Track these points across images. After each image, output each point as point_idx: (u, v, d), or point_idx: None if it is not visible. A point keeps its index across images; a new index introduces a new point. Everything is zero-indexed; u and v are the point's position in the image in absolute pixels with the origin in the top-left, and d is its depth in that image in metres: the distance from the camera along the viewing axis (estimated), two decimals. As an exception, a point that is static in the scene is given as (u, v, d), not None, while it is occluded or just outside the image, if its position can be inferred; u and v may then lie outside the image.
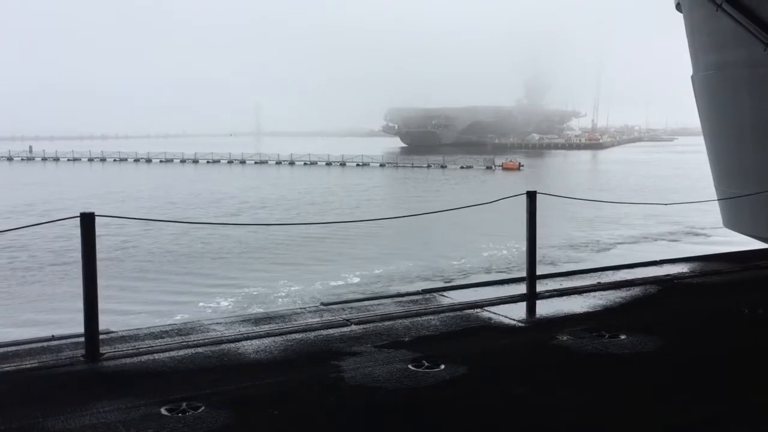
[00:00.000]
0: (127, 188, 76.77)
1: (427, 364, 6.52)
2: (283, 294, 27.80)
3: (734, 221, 16.74)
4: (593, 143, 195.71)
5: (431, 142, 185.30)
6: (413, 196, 69.68)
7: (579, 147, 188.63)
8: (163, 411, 5.44)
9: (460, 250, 35.56)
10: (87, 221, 6.36)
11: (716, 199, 16.93)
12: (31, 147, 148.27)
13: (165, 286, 29.99)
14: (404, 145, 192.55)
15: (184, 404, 5.55)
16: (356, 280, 30.22)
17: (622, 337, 7.37)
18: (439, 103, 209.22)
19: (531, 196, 9.03)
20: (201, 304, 26.20)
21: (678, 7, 17.24)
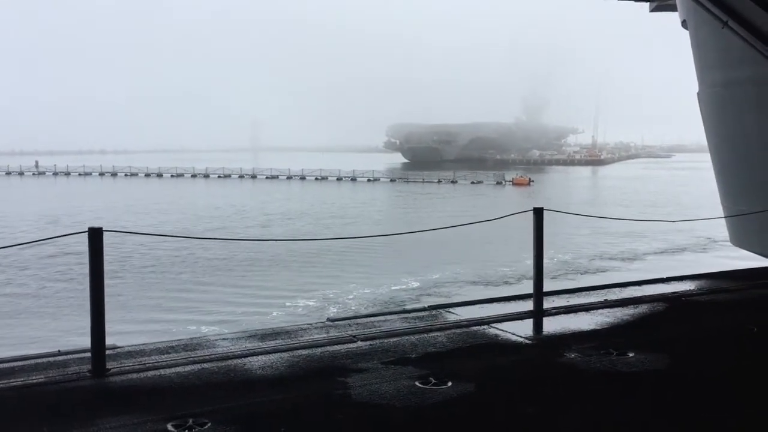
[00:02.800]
0: (149, 203, 77.39)
1: (434, 381, 6.46)
2: (353, 297, 29.45)
3: (741, 239, 16.68)
4: (594, 159, 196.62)
5: (433, 158, 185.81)
6: (435, 209, 70.83)
7: (580, 163, 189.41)
8: (169, 427, 5.40)
9: (504, 258, 36.70)
10: (94, 236, 6.34)
11: (723, 216, 16.89)
12: (37, 162, 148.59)
13: (244, 290, 31.28)
14: (406, 160, 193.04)
15: (191, 421, 5.51)
16: (416, 284, 31.87)
17: (630, 354, 7.32)
18: (440, 118, 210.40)
19: (538, 213, 8.99)
20: (288, 304, 28.00)
21: (684, 24, 17.27)
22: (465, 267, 35.44)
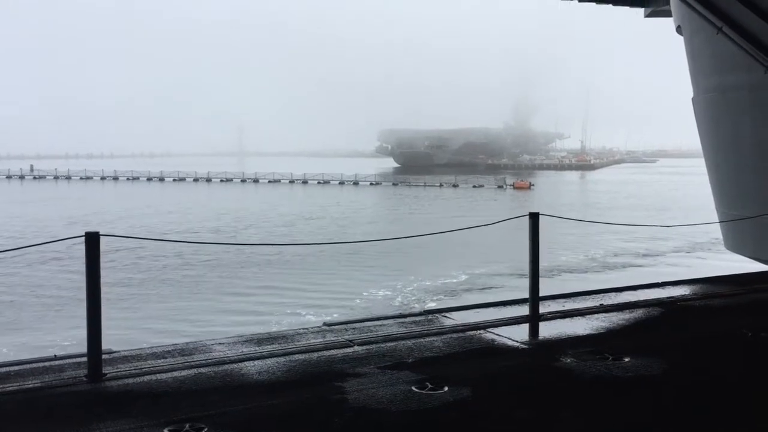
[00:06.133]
0: (164, 207, 78.26)
1: (430, 385, 6.45)
2: (415, 287, 32.41)
3: (735, 243, 16.74)
4: (583, 164, 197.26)
5: (424, 162, 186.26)
6: (448, 212, 72.12)
7: (570, 168, 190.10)
8: (166, 432, 5.38)
9: (547, 253, 37.97)
10: (91, 241, 6.30)
11: (717, 221, 16.94)
12: (32, 166, 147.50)
13: (316, 282, 33.91)
14: (397, 165, 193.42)
15: (187, 425, 5.48)
16: (464, 277, 35.04)
17: (626, 359, 7.32)
18: (429, 123, 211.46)
19: (534, 218, 8.98)
20: (365, 293, 31.31)
21: (679, 29, 17.33)
22: (501, 264, 37.52)
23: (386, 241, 37.71)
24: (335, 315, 26.57)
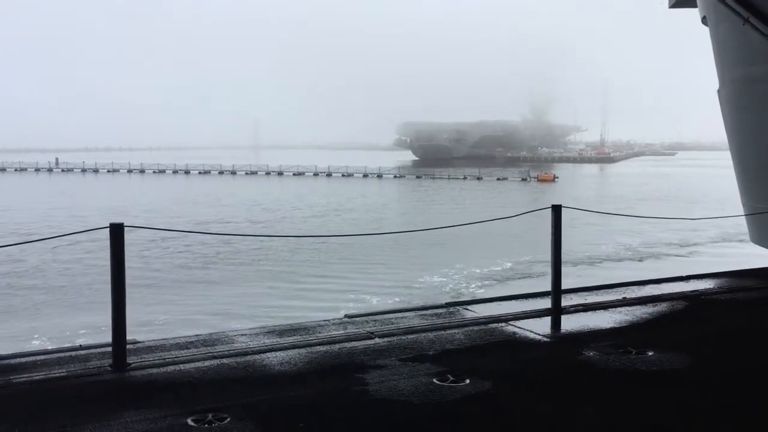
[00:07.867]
0: (195, 199, 78.74)
1: (452, 378, 6.44)
2: (466, 273, 33.76)
3: (761, 236, 16.56)
4: (603, 157, 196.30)
5: (443, 155, 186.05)
6: (482, 203, 72.96)
7: (590, 161, 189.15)
8: (189, 421, 5.42)
9: (568, 246, 37.92)
10: (116, 232, 6.33)
11: (743, 214, 16.76)
12: (57, 159, 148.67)
13: (374, 270, 34.94)
14: (416, 158, 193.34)
15: (210, 415, 5.52)
16: (509, 264, 36.18)
17: (650, 353, 7.27)
18: (446, 116, 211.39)
19: (556, 210, 8.91)
20: (420, 280, 32.45)
21: (704, 20, 17.14)
22: (546, 253, 37.03)
23: (427, 231, 38.55)
24: (396, 299, 27.34)
